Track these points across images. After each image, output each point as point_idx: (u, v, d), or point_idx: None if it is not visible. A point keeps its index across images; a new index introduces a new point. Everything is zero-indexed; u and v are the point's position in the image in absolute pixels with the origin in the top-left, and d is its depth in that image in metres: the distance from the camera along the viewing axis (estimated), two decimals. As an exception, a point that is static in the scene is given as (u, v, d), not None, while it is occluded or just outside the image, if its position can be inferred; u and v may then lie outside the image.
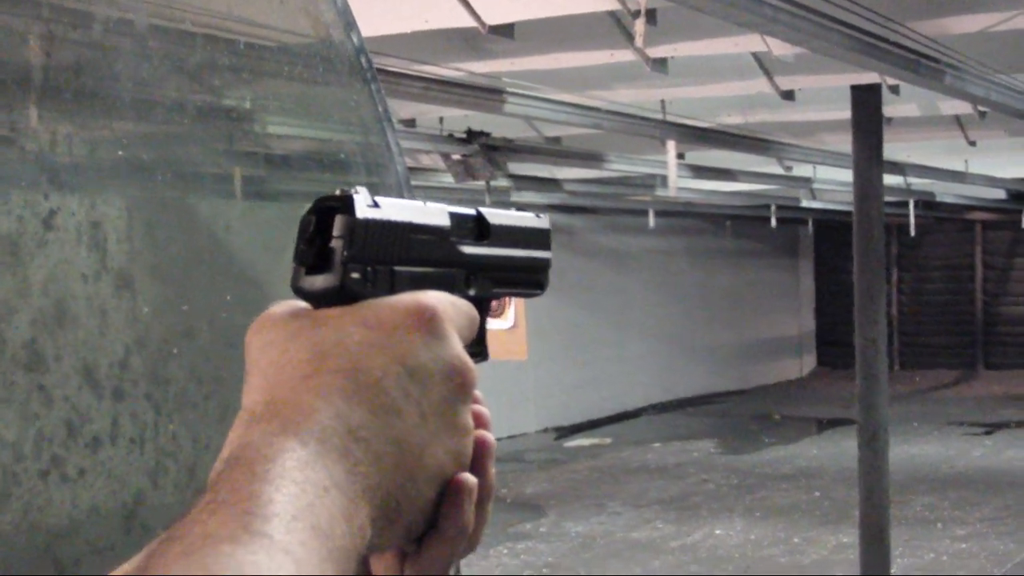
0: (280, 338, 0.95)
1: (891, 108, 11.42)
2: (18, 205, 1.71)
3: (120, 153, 1.88)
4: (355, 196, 0.97)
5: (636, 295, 24.60)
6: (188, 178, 2.04)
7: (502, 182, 14.38)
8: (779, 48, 8.32)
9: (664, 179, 13.81)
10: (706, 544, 13.38)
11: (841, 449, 18.41)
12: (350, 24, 2.23)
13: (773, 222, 22.76)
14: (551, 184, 16.55)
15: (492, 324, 1.15)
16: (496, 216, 1.12)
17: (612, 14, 7.73)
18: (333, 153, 2.31)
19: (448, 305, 0.98)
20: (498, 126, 12.13)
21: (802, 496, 15.66)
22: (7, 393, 1.69)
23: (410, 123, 11.86)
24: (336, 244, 0.96)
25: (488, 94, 9.54)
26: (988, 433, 20.70)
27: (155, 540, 0.84)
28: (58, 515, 1.75)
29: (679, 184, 13.28)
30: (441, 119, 12.01)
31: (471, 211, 1.10)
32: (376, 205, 0.98)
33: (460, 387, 0.96)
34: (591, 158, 13.85)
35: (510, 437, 20.33)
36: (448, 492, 0.95)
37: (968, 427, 21.40)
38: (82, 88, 1.82)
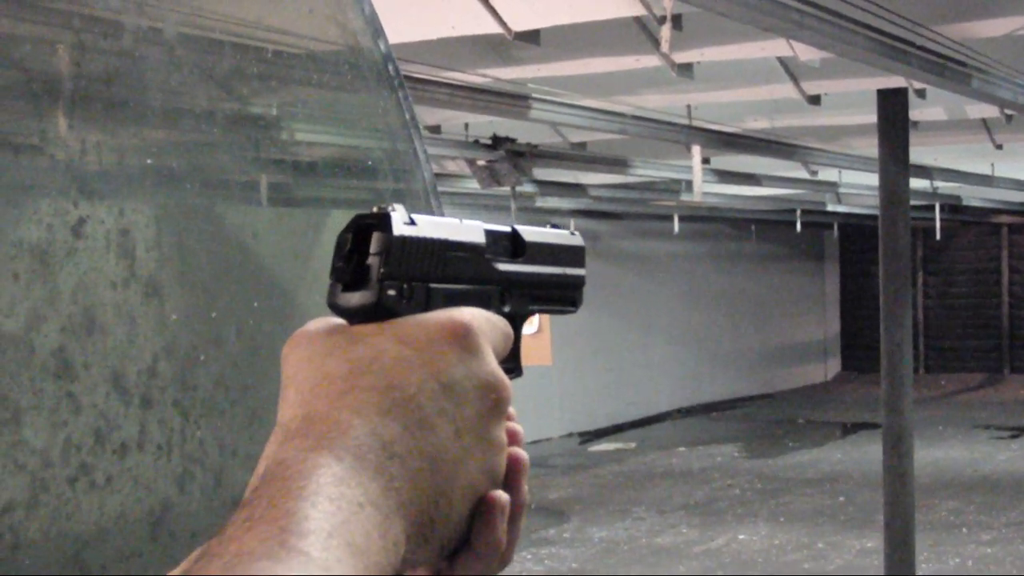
0: (316, 354, 0.96)
1: (917, 112, 11.40)
2: (47, 214, 1.72)
3: (149, 161, 1.88)
4: (392, 214, 0.97)
5: (661, 300, 24.58)
6: (216, 186, 2.04)
7: (527, 188, 14.39)
8: (805, 52, 8.31)
9: (689, 184, 13.80)
10: (730, 549, 13.36)
11: (866, 453, 18.38)
12: (378, 31, 2.23)
13: (798, 226, 22.72)
14: (576, 189, 16.56)
15: (518, 330, 1.16)
16: (531, 233, 1.13)
17: (638, 19, 7.73)
18: (360, 160, 2.31)
19: (483, 321, 0.99)
20: (524, 132, 12.13)
21: (826, 501, 15.63)
22: (36, 400, 1.69)
23: (436, 129, 11.88)
24: (373, 261, 0.96)
25: (514, 100, 9.55)
26: (1014, 437, 20.62)
27: (189, 558, 0.84)
28: (86, 522, 1.75)
29: (704, 189, 13.27)
30: (467, 125, 12.02)
31: (506, 228, 1.11)
32: (413, 222, 0.98)
33: (495, 403, 0.97)
34: (616, 163, 13.85)
35: (534, 442, 20.33)
36: (481, 509, 0.95)
37: (994, 431, 21.33)
38: (112, 97, 1.83)
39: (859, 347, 29.89)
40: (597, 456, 20.03)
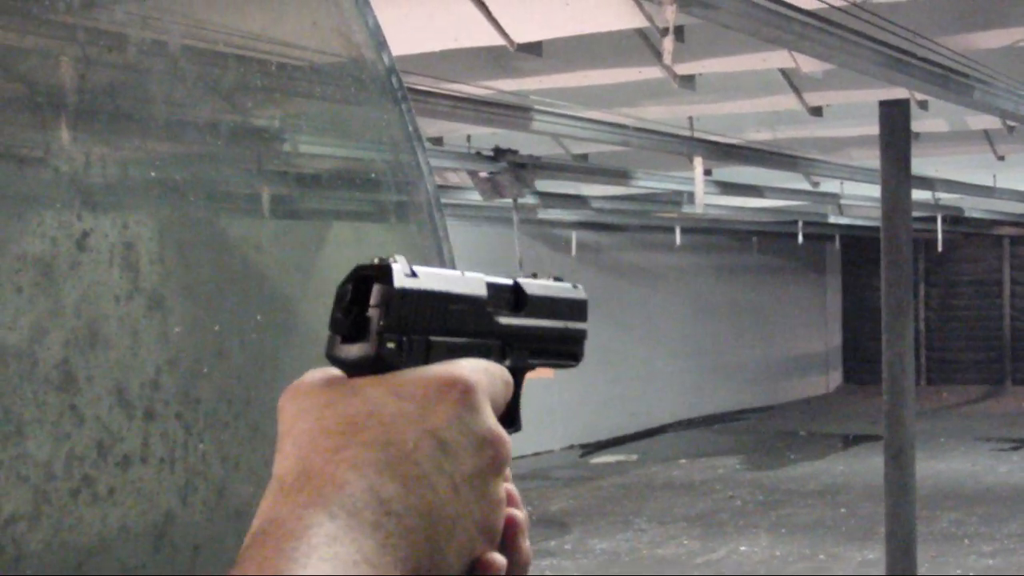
0: (314, 406, 0.95)
1: (919, 123, 11.40)
2: (52, 226, 1.72)
3: (153, 174, 1.88)
4: (393, 265, 0.96)
5: (663, 312, 24.58)
6: (220, 198, 2.04)
7: (529, 200, 14.39)
8: (807, 64, 8.31)
9: (691, 196, 13.79)
10: (731, 561, 13.35)
11: (867, 465, 18.36)
12: (381, 44, 2.23)
13: (800, 238, 22.71)
14: (578, 201, 16.56)
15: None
16: (533, 287, 1.12)
17: (640, 31, 7.74)
18: (363, 172, 2.31)
19: (482, 374, 0.98)
20: (526, 144, 12.14)
21: (828, 512, 15.61)
22: (39, 413, 1.70)
23: (438, 141, 11.88)
24: (372, 314, 0.95)
25: (516, 112, 9.55)
26: (1016, 449, 20.61)
27: None
28: (88, 534, 1.75)
29: (706, 200, 13.26)
30: (468, 137, 12.03)
31: (508, 281, 1.09)
32: (414, 274, 0.97)
33: (493, 460, 0.96)
34: (618, 175, 13.85)
35: (535, 454, 20.31)
36: (476, 570, 0.94)
37: (996, 443, 21.31)
38: (116, 109, 1.83)
39: (861, 359, 29.87)
40: (598, 468, 20.02)
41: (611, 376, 22.72)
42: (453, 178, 13.87)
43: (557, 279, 1.17)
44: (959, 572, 12.58)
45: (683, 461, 20.19)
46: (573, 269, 20.93)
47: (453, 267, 2.26)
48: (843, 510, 15.70)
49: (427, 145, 7.40)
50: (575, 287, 1.19)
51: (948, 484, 17.23)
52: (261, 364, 1.98)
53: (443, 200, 2.40)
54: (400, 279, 0.96)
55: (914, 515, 10.28)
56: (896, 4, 7.32)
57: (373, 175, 2.28)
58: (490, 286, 1.06)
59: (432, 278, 0.99)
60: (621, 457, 20.96)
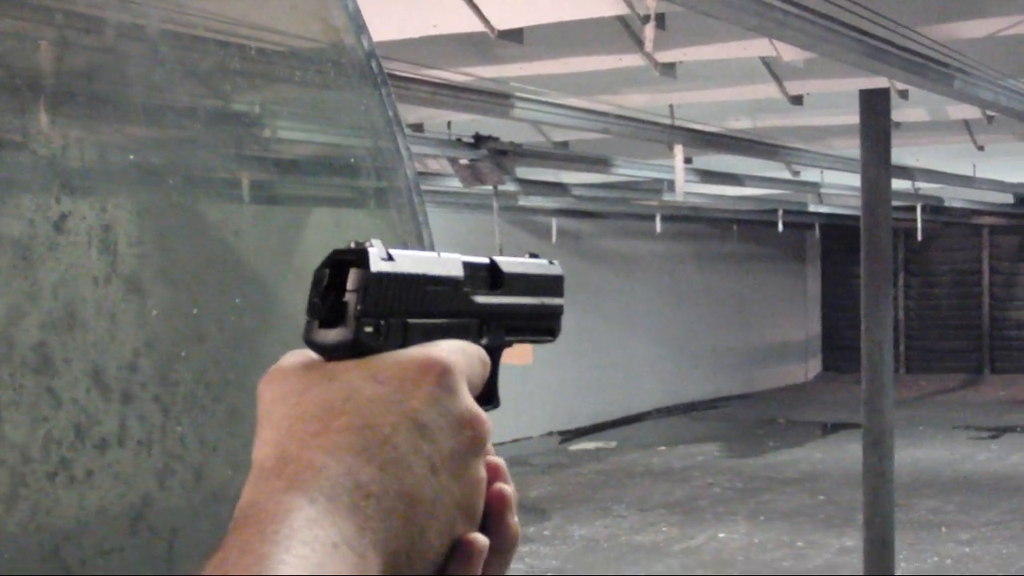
0: (291, 392, 0.96)
1: (899, 112, 11.42)
2: (29, 209, 1.72)
3: (131, 157, 1.88)
4: (370, 250, 0.97)
5: (642, 299, 24.59)
6: (198, 182, 2.04)
7: (510, 187, 14.38)
8: (788, 53, 8.32)
9: (671, 183, 13.79)
10: (710, 547, 13.37)
11: (846, 453, 18.40)
12: (361, 28, 2.23)
13: (780, 226, 22.73)
14: (559, 188, 16.55)
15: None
16: (509, 264, 1.13)
17: (621, 19, 7.73)
18: (343, 157, 2.31)
19: (460, 355, 0.99)
20: (506, 130, 12.12)
21: (806, 500, 15.65)
22: (16, 396, 1.69)
23: (418, 128, 11.87)
24: (350, 298, 0.96)
25: (496, 99, 9.55)
26: (994, 437, 20.68)
27: None
28: (65, 517, 1.75)
29: (686, 188, 13.28)
30: (449, 123, 12.01)
31: (484, 260, 1.10)
32: (390, 258, 0.98)
33: (471, 440, 0.97)
34: (599, 162, 13.85)
35: (515, 441, 20.31)
36: (458, 551, 0.95)
37: (974, 431, 21.39)
38: (94, 93, 1.83)
39: (840, 347, 29.91)
40: (577, 455, 20.04)
41: (590, 363, 22.73)
42: (433, 164, 13.84)
43: (533, 255, 1.18)
44: (936, 559, 12.62)
45: (662, 448, 20.22)
46: (553, 256, 20.91)
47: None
48: (821, 497, 15.74)
49: (407, 131, 7.40)
50: (551, 263, 1.19)
51: (926, 472, 17.29)
52: (239, 347, 1.98)
53: (423, 186, 2.41)
54: (377, 263, 0.97)
55: (892, 503, 10.31)
56: (877, -7, 7.33)
57: (352, 160, 2.28)
58: (466, 265, 1.07)
59: (408, 261, 1.00)
60: (600, 444, 20.98)
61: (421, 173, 12.94)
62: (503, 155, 12.22)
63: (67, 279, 1.75)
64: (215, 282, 2.00)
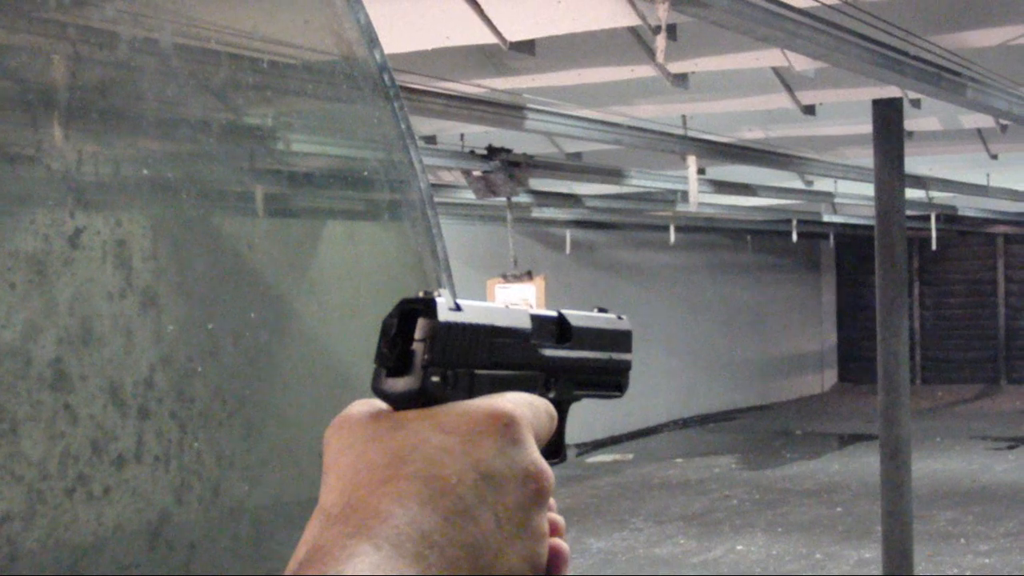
0: (359, 440, 0.96)
1: (912, 122, 11.41)
2: (44, 224, 1.72)
3: (145, 172, 1.88)
4: (438, 300, 0.97)
5: (657, 311, 24.57)
6: (212, 196, 2.04)
7: (523, 198, 14.39)
8: (800, 63, 8.31)
9: (685, 194, 13.80)
10: (728, 560, 13.35)
11: (863, 464, 18.37)
12: (373, 42, 2.23)
13: (794, 236, 22.72)
14: (572, 200, 16.56)
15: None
16: (578, 319, 1.13)
17: (632, 30, 7.73)
18: (356, 170, 2.31)
19: (526, 408, 0.99)
20: (519, 142, 12.13)
21: (824, 512, 15.62)
22: (33, 412, 1.69)
23: (431, 140, 11.88)
24: (417, 347, 0.96)
25: (509, 110, 9.55)
26: (1011, 448, 20.62)
27: None
28: (83, 532, 1.75)
29: (700, 199, 13.27)
30: (462, 136, 12.02)
31: (552, 314, 1.10)
32: (458, 308, 0.98)
33: (536, 493, 0.97)
34: (612, 174, 13.85)
35: (531, 453, 20.27)
36: None
37: (991, 441, 21.32)
38: (107, 107, 1.83)
39: (856, 358, 29.88)
40: (594, 467, 20.02)
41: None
42: (447, 176, 13.86)
43: (601, 310, 1.18)
44: (955, 571, 12.58)
45: (679, 460, 20.19)
46: (567, 267, 20.94)
47: (447, 266, 2.26)
48: (839, 509, 15.70)
49: (420, 143, 7.41)
50: (620, 318, 1.20)
51: (944, 483, 17.24)
52: (255, 362, 1.98)
53: (436, 198, 2.40)
54: (445, 313, 0.97)
55: (910, 514, 10.28)
56: (888, 2, 7.33)
57: (366, 173, 2.28)
58: (534, 318, 1.07)
59: (476, 311, 1.00)
60: (617, 456, 20.97)
61: (434, 185, 12.96)
62: (516, 167, 12.22)
63: (83, 294, 1.75)
64: (230, 296, 1.99)
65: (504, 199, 12.82)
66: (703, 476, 18.59)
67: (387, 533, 0.89)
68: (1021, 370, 28.96)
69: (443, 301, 0.97)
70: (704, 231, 24.64)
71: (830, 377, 30.74)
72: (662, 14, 6.27)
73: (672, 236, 21.54)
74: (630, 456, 20.94)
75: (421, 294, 0.98)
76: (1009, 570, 12.57)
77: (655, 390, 24.39)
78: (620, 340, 1.20)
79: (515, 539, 0.95)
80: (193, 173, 1.97)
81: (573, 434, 21.93)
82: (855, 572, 12.60)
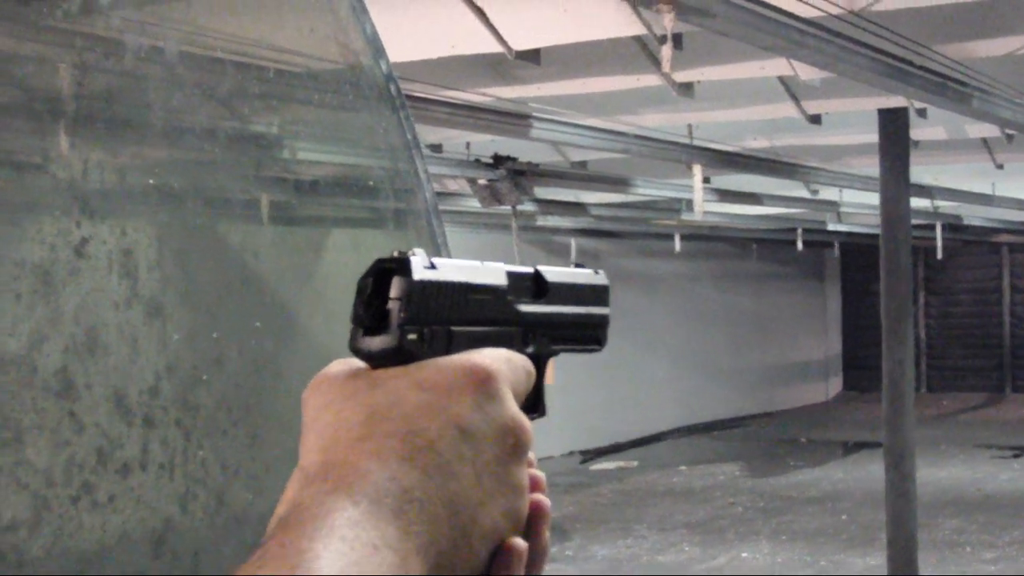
0: (336, 399, 0.96)
1: (918, 131, 11.41)
2: (50, 233, 1.72)
3: (151, 180, 1.88)
4: (412, 258, 0.98)
5: (662, 319, 24.57)
6: (218, 205, 2.04)
7: (528, 207, 14.40)
8: (805, 72, 8.31)
9: (690, 203, 13.80)
10: (732, 567, 13.34)
11: (868, 472, 18.35)
12: (379, 51, 2.23)
13: (799, 245, 22.71)
14: (577, 208, 16.56)
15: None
16: (554, 274, 1.13)
17: (638, 39, 7.73)
18: (362, 179, 2.31)
19: (503, 363, 0.99)
20: (524, 151, 12.14)
21: (829, 519, 15.60)
22: (39, 420, 1.70)
23: (437, 148, 11.88)
24: (393, 306, 0.97)
25: (514, 119, 9.56)
26: (1016, 456, 20.59)
27: None
28: (88, 541, 1.75)
29: (705, 208, 13.27)
30: (468, 144, 12.02)
31: (528, 270, 1.11)
32: (433, 266, 0.99)
33: (514, 447, 0.98)
34: (617, 182, 13.86)
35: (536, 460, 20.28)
36: (499, 555, 0.95)
37: (996, 450, 21.30)
38: (113, 116, 1.83)
39: (860, 366, 29.86)
40: (598, 475, 20.01)
41: (611, 383, 22.71)
42: (452, 185, 13.87)
43: (578, 265, 1.18)
44: (960, 579, 12.58)
45: (683, 468, 20.18)
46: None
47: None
48: (844, 517, 15.69)
49: (426, 152, 7.41)
50: (596, 272, 1.20)
51: (949, 491, 17.23)
52: (260, 371, 1.98)
53: (442, 207, 2.41)
54: (419, 271, 0.97)
55: (915, 522, 10.28)
56: (894, 12, 7.32)
57: (371, 182, 2.28)
58: (510, 275, 1.07)
59: (451, 269, 1.01)
60: (621, 463, 20.95)
61: (440, 193, 12.98)
62: (522, 175, 12.23)
63: (88, 304, 1.75)
64: (235, 305, 2.00)
65: (509, 208, 12.84)
66: (707, 484, 18.58)
67: (366, 489, 0.89)
68: (1026, 379, 28.96)
69: (417, 260, 0.98)
70: (709, 240, 24.63)
71: (835, 385, 30.73)
72: (668, 23, 6.28)
73: (677, 245, 21.56)
74: (634, 463, 20.93)
75: (396, 254, 0.98)
76: (1014, 579, 12.56)
77: (660, 397, 24.39)
78: (597, 294, 1.19)
79: (495, 494, 0.95)
80: (199, 182, 1.98)
81: (578, 441, 21.95)
82: (860, 581, 12.59)
